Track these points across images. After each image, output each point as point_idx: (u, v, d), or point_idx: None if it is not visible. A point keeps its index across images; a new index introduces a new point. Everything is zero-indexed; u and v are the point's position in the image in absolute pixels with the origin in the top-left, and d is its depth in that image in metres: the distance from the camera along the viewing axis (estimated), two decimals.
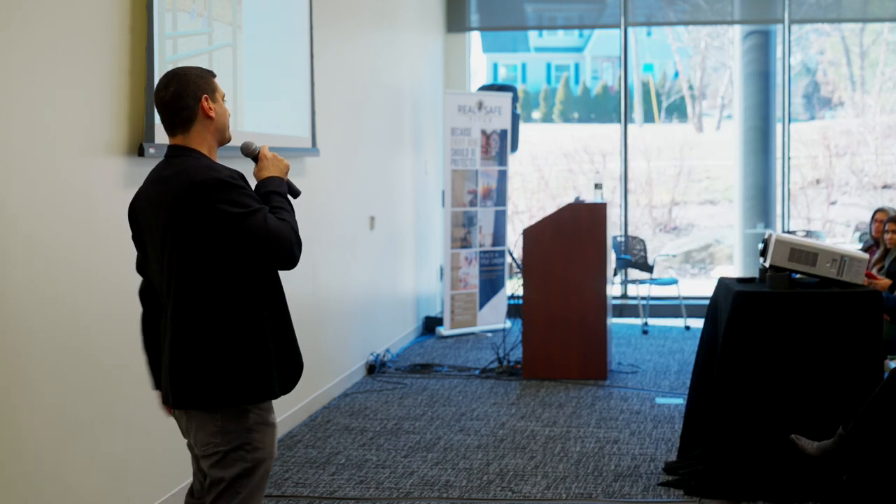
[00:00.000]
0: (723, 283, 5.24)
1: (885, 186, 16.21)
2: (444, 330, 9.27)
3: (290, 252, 2.86)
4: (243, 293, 2.90)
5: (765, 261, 5.05)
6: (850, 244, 11.83)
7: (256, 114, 5.58)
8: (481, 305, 9.53)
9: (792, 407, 4.74)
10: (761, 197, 11.07)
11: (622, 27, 10.74)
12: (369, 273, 7.87)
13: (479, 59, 17.02)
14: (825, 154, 16.76)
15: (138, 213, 3.03)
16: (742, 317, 4.79)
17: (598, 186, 7.91)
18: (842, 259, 4.89)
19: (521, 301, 7.76)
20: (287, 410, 6.03)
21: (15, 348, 3.57)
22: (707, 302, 5.44)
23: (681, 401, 6.66)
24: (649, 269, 10.15)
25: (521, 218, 15.70)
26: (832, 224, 15.94)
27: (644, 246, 10.40)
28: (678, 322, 10.05)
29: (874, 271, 6.28)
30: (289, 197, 3.07)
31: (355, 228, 7.53)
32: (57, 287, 3.80)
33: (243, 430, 2.91)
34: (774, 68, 10.98)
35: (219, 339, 2.88)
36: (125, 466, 4.25)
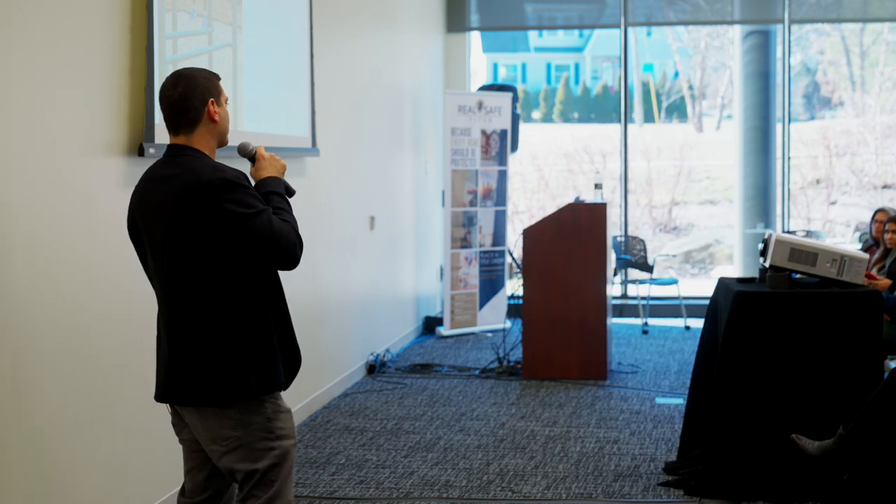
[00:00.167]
0: (723, 283, 5.24)
1: (885, 186, 16.21)
2: (444, 330, 9.28)
3: (292, 253, 2.92)
4: (248, 290, 2.95)
5: (765, 261, 5.05)
6: (850, 244, 11.83)
7: (256, 114, 5.58)
8: (481, 305, 9.53)
9: (792, 407, 4.74)
10: (761, 197, 11.07)
11: (622, 27, 10.74)
12: (369, 273, 7.87)
13: (479, 59, 17.03)
14: (825, 154, 16.76)
15: (137, 212, 3.04)
16: (742, 317, 4.79)
17: (598, 186, 7.91)
18: (842, 259, 4.89)
19: (521, 301, 7.76)
20: None
21: (15, 348, 3.57)
22: (707, 302, 5.44)
23: (681, 401, 6.66)
24: (649, 269, 10.15)
25: (521, 218, 15.70)
26: (832, 224, 15.94)
27: (644, 246, 10.40)
28: (678, 322, 10.05)
29: (874, 271, 6.28)
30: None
31: (355, 228, 7.53)
32: (57, 287, 3.80)
33: (264, 420, 2.98)
34: (774, 68, 10.98)
35: (228, 334, 2.92)
36: (125, 466, 4.25)
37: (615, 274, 10.07)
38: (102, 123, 4.10)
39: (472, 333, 9.41)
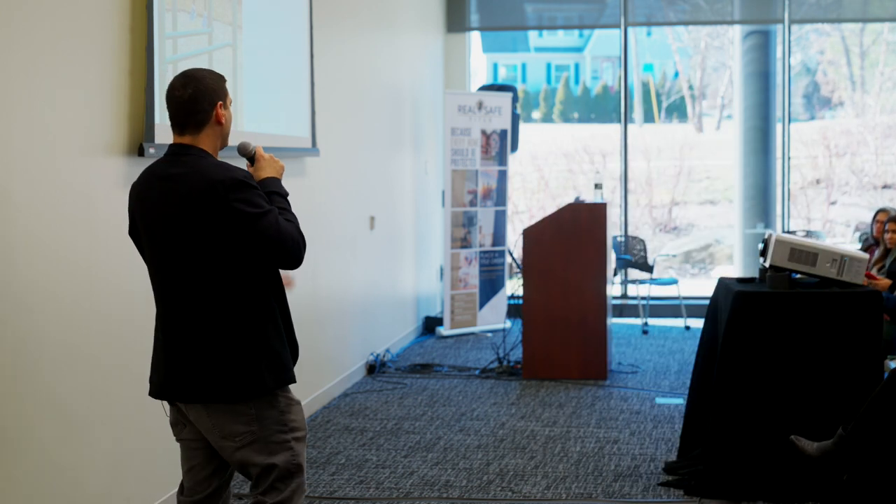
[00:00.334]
0: (723, 283, 5.24)
1: (885, 186, 16.21)
2: (444, 330, 9.27)
3: (296, 253, 2.97)
4: (255, 286, 2.99)
5: (765, 261, 5.05)
6: (850, 244, 11.84)
7: (256, 114, 5.58)
8: (481, 305, 9.53)
9: (792, 407, 4.74)
10: (761, 197, 11.07)
11: (622, 27, 10.74)
12: (369, 273, 7.87)
13: (479, 59, 17.03)
14: (825, 154, 16.76)
15: (137, 209, 3.06)
16: (742, 317, 4.79)
17: (598, 186, 7.91)
18: (842, 259, 4.89)
19: (521, 301, 7.76)
20: None
21: (15, 348, 3.57)
22: (707, 302, 5.44)
23: (681, 401, 6.66)
24: (649, 269, 10.15)
25: (521, 218, 15.70)
26: (832, 224, 15.94)
27: (644, 246, 10.40)
28: (678, 322, 10.05)
29: (874, 271, 6.28)
30: None
31: (355, 228, 7.53)
32: (57, 287, 3.80)
33: (278, 413, 3.04)
34: (774, 68, 10.98)
35: (240, 330, 2.96)
36: (125, 466, 4.25)
37: (615, 274, 10.07)
38: (102, 123, 4.10)
39: (472, 333, 9.41)
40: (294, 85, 6.20)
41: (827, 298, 4.81)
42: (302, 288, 6.23)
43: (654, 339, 9.25)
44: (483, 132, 9.46)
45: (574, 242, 7.47)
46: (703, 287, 12.25)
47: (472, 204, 9.44)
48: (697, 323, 9.32)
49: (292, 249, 2.94)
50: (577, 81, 21.05)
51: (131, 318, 4.22)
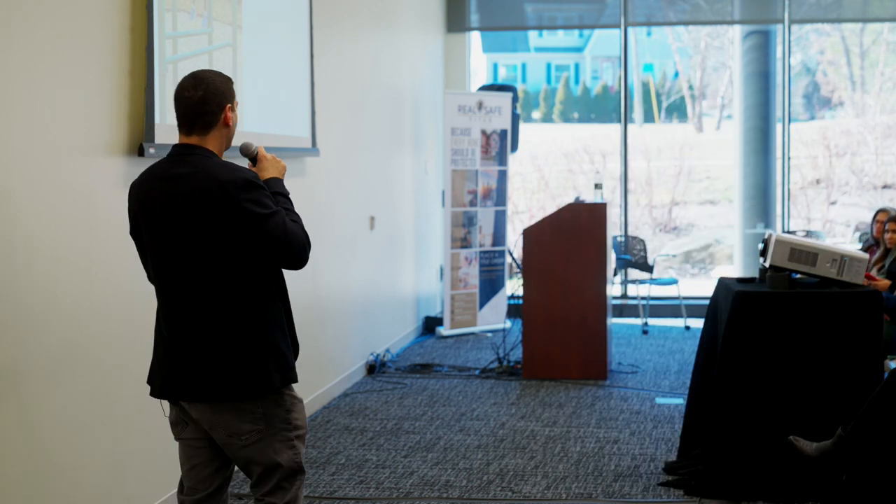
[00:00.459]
0: (723, 283, 5.24)
1: (885, 186, 16.21)
2: (444, 330, 9.27)
3: (302, 254, 3.00)
4: (261, 285, 3.01)
5: (765, 261, 5.05)
6: (850, 244, 11.84)
7: (256, 114, 5.58)
8: (481, 305, 9.53)
9: (792, 407, 4.74)
10: (761, 197, 11.07)
11: (622, 27, 10.74)
12: (369, 273, 7.87)
13: (479, 59, 17.03)
14: (825, 154, 16.76)
15: (139, 208, 3.05)
16: (742, 317, 4.79)
17: (598, 186, 7.91)
18: (842, 259, 4.89)
19: (521, 301, 7.76)
20: None
21: (15, 348, 3.57)
22: (707, 302, 5.44)
23: (681, 401, 6.66)
24: (649, 269, 10.15)
25: (521, 218, 15.70)
26: (832, 224, 15.94)
27: (644, 246, 10.40)
28: (678, 322, 10.05)
29: (874, 271, 6.28)
30: None
31: (355, 228, 7.53)
32: (57, 287, 3.80)
33: (284, 412, 3.08)
34: (774, 68, 10.98)
35: (248, 330, 2.99)
36: (125, 466, 4.25)
37: (615, 274, 10.07)
38: (102, 123, 4.10)
39: (472, 333, 9.40)
40: (294, 85, 6.20)
41: (827, 298, 4.81)
42: (302, 288, 6.23)
43: (654, 339, 9.25)
44: (483, 132, 9.46)
45: (574, 242, 7.47)
46: (703, 287, 12.25)
47: (472, 204, 9.44)
48: (697, 323, 9.32)
49: (298, 250, 2.97)
50: (577, 81, 21.04)
51: (131, 318, 4.22)
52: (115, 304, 4.15)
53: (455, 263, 9.32)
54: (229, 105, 3.05)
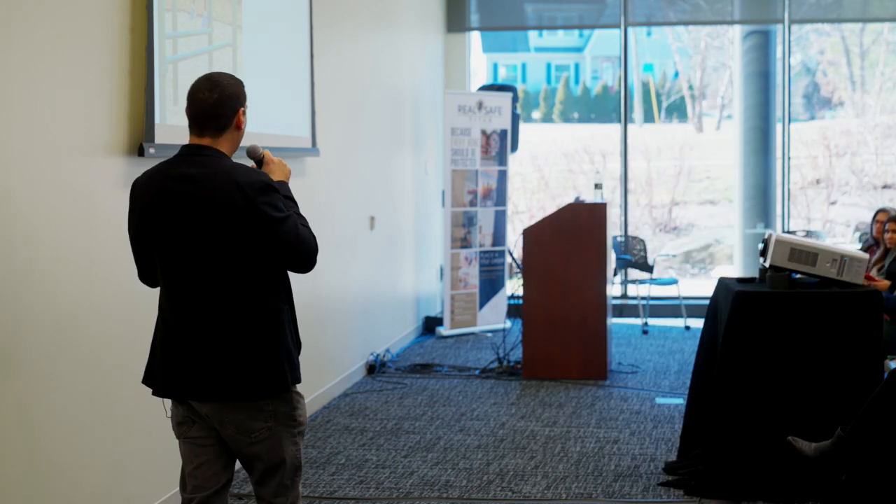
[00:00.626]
0: (723, 283, 5.24)
1: (885, 186, 16.21)
2: (444, 330, 9.27)
3: (312, 258, 3.05)
4: (273, 287, 3.05)
5: (765, 261, 5.05)
6: (850, 244, 11.84)
7: (256, 114, 5.57)
8: (481, 305, 9.53)
9: (791, 407, 4.74)
10: (761, 197, 11.07)
11: (622, 27, 10.74)
12: (369, 273, 7.87)
13: (479, 59, 17.02)
14: (825, 154, 16.76)
15: (149, 207, 3.03)
16: (742, 317, 4.79)
17: (598, 186, 7.91)
18: (842, 259, 4.89)
19: (521, 301, 7.76)
20: None
21: (15, 348, 3.57)
22: (707, 302, 5.44)
23: (681, 401, 6.66)
24: (649, 269, 10.15)
25: (521, 218, 15.70)
26: (832, 224, 15.94)
27: (644, 246, 10.40)
28: (678, 322, 10.05)
29: (874, 271, 6.28)
30: None
31: (355, 228, 7.53)
32: (57, 287, 3.80)
33: (290, 409, 3.12)
34: (774, 68, 10.97)
35: (262, 329, 3.02)
36: (125, 466, 4.25)
37: (615, 274, 10.07)
38: (102, 123, 4.10)
39: (472, 333, 9.41)
40: (294, 85, 6.20)
41: (827, 298, 4.81)
42: (302, 288, 6.21)
43: (654, 339, 9.25)
44: (483, 132, 9.46)
45: (574, 242, 7.47)
46: (703, 287, 12.25)
47: (472, 204, 9.44)
48: (697, 323, 9.32)
49: (308, 255, 3.02)
50: (577, 81, 21.04)
51: (131, 318, 4.22)
52: (115, 304, 4.15)
53: (455, 263, 9.32)
54: (242, 108, 3.09)
